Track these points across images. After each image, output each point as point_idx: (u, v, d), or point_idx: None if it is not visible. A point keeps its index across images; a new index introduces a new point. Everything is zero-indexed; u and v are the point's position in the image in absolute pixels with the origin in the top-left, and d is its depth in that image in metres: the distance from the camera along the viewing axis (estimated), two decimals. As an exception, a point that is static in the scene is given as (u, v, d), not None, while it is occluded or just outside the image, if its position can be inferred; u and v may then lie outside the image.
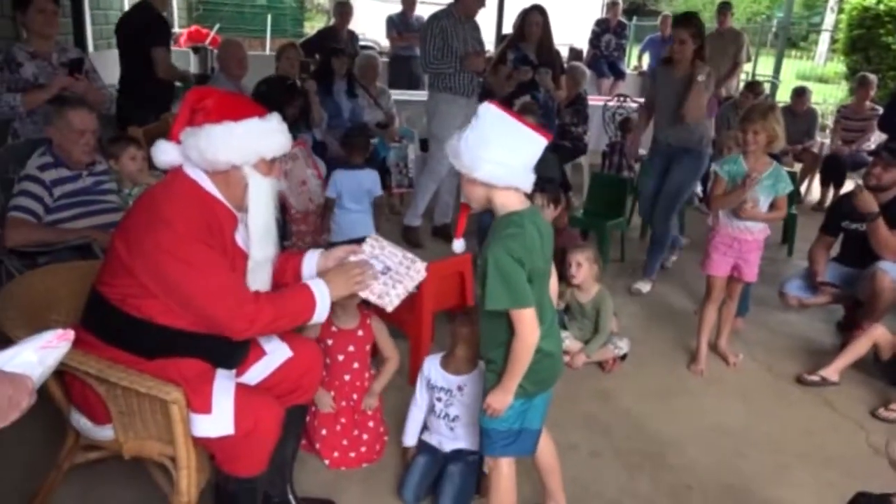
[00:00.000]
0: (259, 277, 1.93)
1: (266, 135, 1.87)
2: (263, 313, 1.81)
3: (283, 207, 4.18)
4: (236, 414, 1.80)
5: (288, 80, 4.57)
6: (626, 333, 3.56)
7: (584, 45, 9.20)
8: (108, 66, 4.99)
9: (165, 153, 1.87)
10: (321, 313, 1.94)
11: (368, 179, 3.85)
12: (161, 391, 1.73)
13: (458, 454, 2.40)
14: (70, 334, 1.33)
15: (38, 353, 1.26)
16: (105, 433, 1.92)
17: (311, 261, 2.13)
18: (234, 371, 1.97)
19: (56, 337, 1.31)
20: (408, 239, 4.95)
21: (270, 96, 4.09)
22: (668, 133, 4.24)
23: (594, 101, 7.12)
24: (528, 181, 1.83)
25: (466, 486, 2.34)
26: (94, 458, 2.05)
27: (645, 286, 4.38)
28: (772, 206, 3.22)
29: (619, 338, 3.42)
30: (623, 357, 3.43)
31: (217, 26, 10.14)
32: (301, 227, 4.04)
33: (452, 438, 2.42)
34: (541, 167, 4.27)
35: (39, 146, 2.95)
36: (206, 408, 1.79)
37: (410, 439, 2.51)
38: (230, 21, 12.17)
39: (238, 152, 1.82)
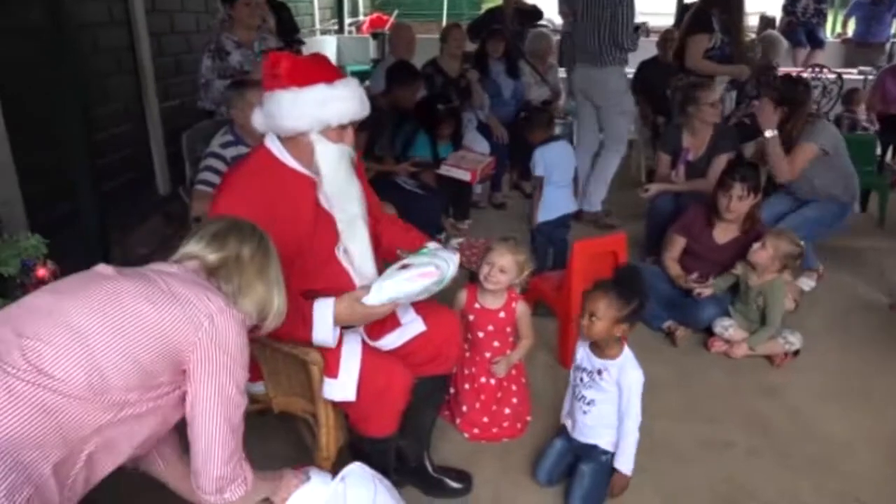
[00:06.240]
0: (352, 234, 1.97)
1: (332, 101, 1.84)
2: None
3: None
4: (362, 378, 1.87)
5: (448, 100, 4.48)
6: (802, 325, 3.25)
7: (777, 13, 8.43)
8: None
9: (256, 118, 1.94)
10: (319, 335, 1.85)
11: (571, 153, 3.84)
12: (301, 352, 1.85)
13: (590, 450, 2.26)
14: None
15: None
16: (258, 388, 2.09)
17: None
18: (359, 337, 2.02)
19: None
20: (598, 224, 4.74)
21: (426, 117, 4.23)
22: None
23: (785, 72, 6.51)
24: None
25: (596, 490, 2.21)
26: (252, 409, 2.23)
27: (808, 283, 3.88)
28: None
29: (790, 331, 3.12)
30: (795, 353, 3.13)
31: (396, 12, 10.52)
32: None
33: (584, 428, 2.27)
34: (723, 145, 3.96)
35: (223, 127, 3.25)
36: (333, 372, 1.88)
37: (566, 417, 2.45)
38: (409, 7, 12.57)
39: (302, 119, 1.83)
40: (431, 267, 1.86)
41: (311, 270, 1.94)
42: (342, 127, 1.90)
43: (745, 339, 3.14)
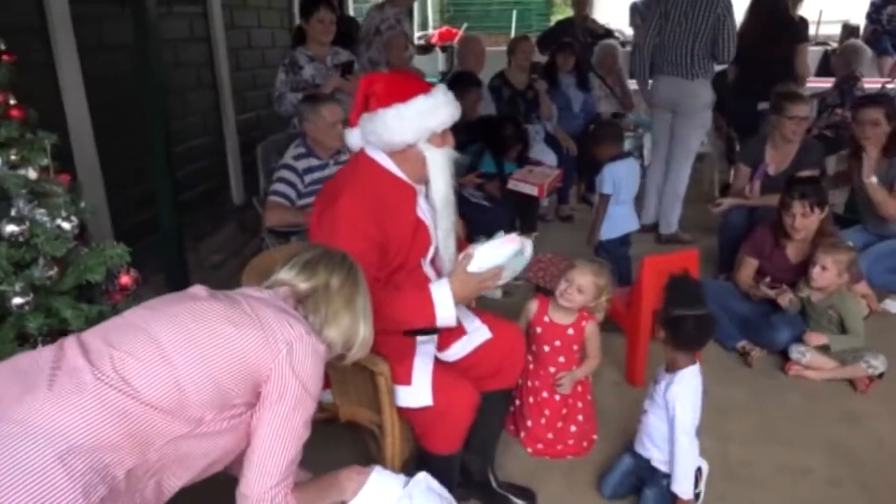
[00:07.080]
0: (447, 244, 2.05)
1: (434, 110, 1.91)
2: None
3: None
4: (434, 388, 1.89)
5: (515, 121, 4.42)
6: (887, 348, 3.07)
7: (860, 21, 8.09)
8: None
9: (351, 137, 2.02)
10: (443, 314, 1.91)
11: (637, 169, 3.76)
12: (370, 362, 1.87)
13: (653, 473, 2.22)
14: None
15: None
16: (326, 397, 2.11)
17: None
18: (433, 346, 2.05)
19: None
20: (676, 242, 4.58)
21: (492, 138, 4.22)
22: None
23: (869, 83, 6.22)
24: None
25: None
26: (319, 417, 2.26)
27: (894, 305, 3.68)
28: None
29: (872, 354, 2.96)
30: (880, 375, 2.97)
31: (465, 25, 10.59)
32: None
33: (641, 437, 2.26)
34: (808, 162, 3.84)
35: (295, 139, 3.33)
36: (407, 380, 1.91)
37: None
38: (478, 20, 12.61)
39: (409, 132, 1.90)
40: (513, 234, 1.99)
41: (399, 278, 1.98)
42: (444, 132, 1.97)
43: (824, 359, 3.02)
